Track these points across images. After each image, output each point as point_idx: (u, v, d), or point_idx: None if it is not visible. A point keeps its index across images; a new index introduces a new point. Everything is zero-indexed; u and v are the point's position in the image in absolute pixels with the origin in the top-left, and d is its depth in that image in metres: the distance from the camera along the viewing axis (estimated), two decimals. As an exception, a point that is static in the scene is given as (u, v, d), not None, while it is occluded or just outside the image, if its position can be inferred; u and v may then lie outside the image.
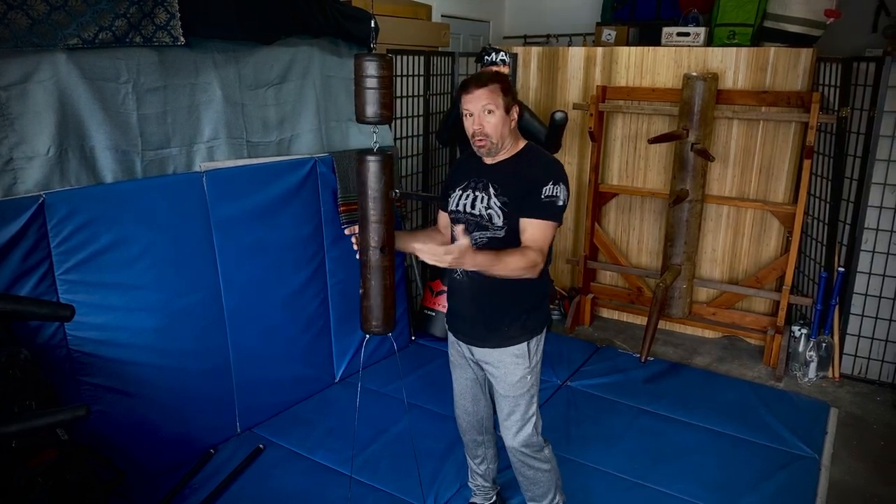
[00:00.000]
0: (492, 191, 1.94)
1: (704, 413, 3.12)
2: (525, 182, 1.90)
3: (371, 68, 1.60)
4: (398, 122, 3.85)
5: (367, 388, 3.23)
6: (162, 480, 2.51)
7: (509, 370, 2.02)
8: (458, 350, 2.16)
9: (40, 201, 2.14)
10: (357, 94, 1.65)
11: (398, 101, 3.76)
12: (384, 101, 1.63)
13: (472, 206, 1.96)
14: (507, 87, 1.91)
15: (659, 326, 3.86)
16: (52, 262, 2.20)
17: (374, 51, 1.83)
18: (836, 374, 3.56)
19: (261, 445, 2.77)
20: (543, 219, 1.88)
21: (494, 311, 2.00)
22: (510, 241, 1.91)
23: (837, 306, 3.52)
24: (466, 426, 2.26)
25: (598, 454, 2.77)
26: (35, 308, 1.71)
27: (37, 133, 2.19)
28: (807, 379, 3.53)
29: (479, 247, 1.92)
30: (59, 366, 2.24)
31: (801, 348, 3.57)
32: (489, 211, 1.93)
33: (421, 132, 4.08)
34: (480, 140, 1.90)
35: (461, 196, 2.00)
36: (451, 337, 2.18)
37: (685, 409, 3.16)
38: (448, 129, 3.79)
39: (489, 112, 1.87)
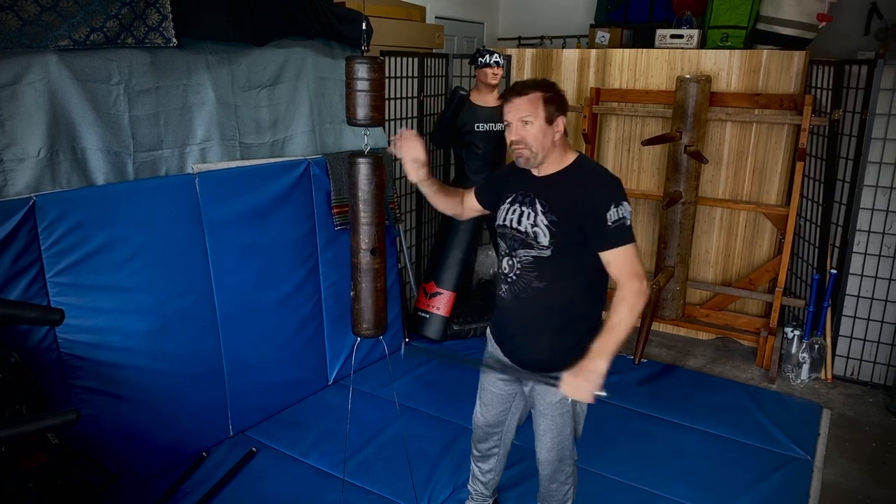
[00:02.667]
0: (539, 207, 1.83)
1: (698, 415, 3.13)
2: (580, 203, 1.79)
3: (361, 71, 1.60)
4: (392, 123, 3.85)
5: (362, 391, 3.23)
6: (153, 484, 2.50)
7: (550, 390, 1.93)
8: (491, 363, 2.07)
9: (31, 203, 2.13)
10: (347, 97, 1.65)
11: (392, 102, 3.76)
12: (374, 103, 1.62)
13: (518, 223, 1.87)
14: (550, 97, 1.80)
15: (652, 328, 3.87)
16: (42, 265, 2.19)
17: (366, 53, 1.83)
18: (829, 376, 3.57)
19: (253, 449, 2.76)
20: (622, 245, 1.77)
21: (542, 339, 1.91)
22: (556, 260, 1.82)
23: (830, 308, 3.53)
24: (483, 436, 2.20)
25: (591, 456, 2.76)
26: (24, 312, 1.70)
27: (27, 135, 2.17)
28: (799, 380, 3.54)
29: (523, 265, 1.86)
30: (50, 369, 2.23)
31: (793, 350, 3.58)
32: (535, 229, 1.83)
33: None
34: (519, 147, 1.81)
35: (508, 210, 1.91)
36: (489, 347, 2.08)
37: (678, 410, 3.17)
38: (443, 130, 3.79)
39: (526, 123, 1.78)
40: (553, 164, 1.86)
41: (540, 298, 1.86)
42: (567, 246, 1.81)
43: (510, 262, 1.90)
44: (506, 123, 1.84)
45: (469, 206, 2.12)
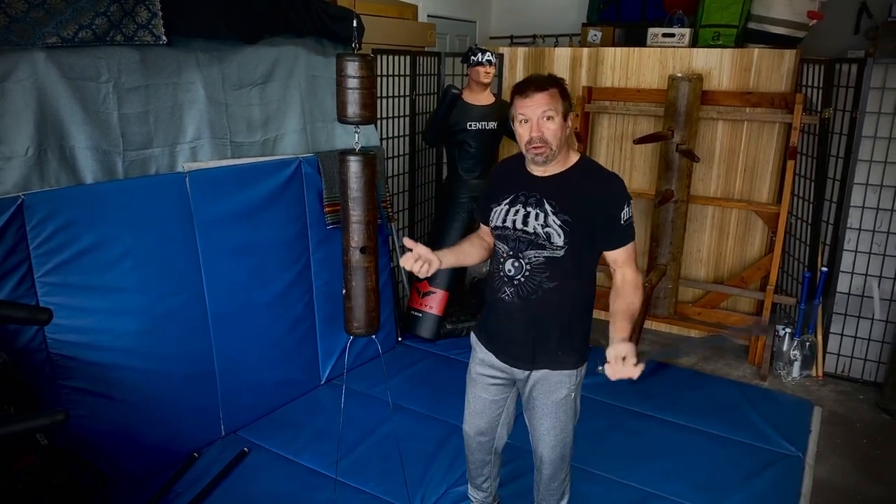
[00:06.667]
0: (548, 207, 1.80)
1: (690, 413, 3.14)
2: (594, 202, 1.79)
3: (352, 68, 1.60)
4: (384, 122, 3.84)
5: (355, 390, 3.21)
6: (145, 484, 2.48)
7: (553, 388, 1.92)
8: (482, 369, 2.03)
9: (19, 202, 2.11)
10: (338, 94, 1.64)
11: (384, 101, 3.75)
12: (365, 101, 1.62)
13: (525, 223, 1.82)
14: (565, 91, 1.79)
15: (645, 326, 3.88)
16: (31, 265, 2.17)
17: (357, 51, 1.82)
18: (820, 373, 3.58)
19: (245, 449, 2.74)
20: (630, 242, 1.85)
21: (550, 339, 1.88)
22: (568, 260, 1.80)
23: (821, 305, 3.55)
24: (476, 446, 2.15)
25: (583, 454, 2.75)
26: (12, 312, 1.68)
27: (15, 133, 2.15)
28: (791, 378, 3.55)
29: (534, 266, 1.82)
30: (40, 370, 2.21)
31: (785, 347, 3.59)
32: (547, 230, 1.79)
33: (407, 132, 4.07)
34: (538, 147, 1.76)
35: (508, 211, 1.85)
36: (479, 354, 2.03)
37: (671, 408, 3.17)
38: (435, 129, 3.78)
39: (549, 118, 1.74)
40: (559, 162, 1.84)
41: (550, 298, 1.84)
42: (581, 245, 1.81)
43: (516, 265, 1.85)
44: (521, 119, 1.77)
45: (489, 234, 2.05)
